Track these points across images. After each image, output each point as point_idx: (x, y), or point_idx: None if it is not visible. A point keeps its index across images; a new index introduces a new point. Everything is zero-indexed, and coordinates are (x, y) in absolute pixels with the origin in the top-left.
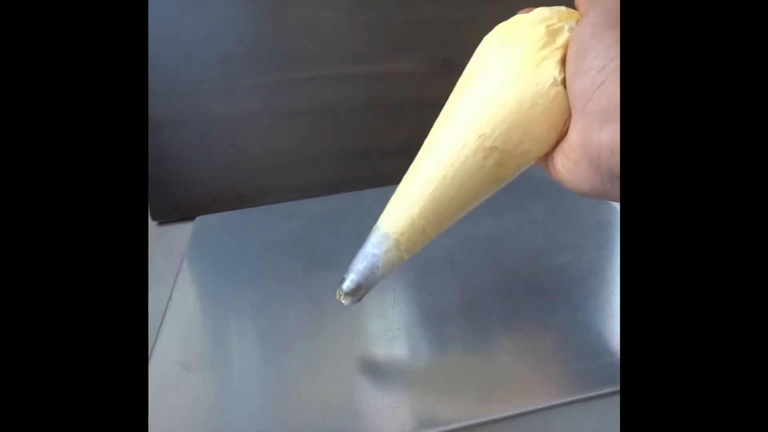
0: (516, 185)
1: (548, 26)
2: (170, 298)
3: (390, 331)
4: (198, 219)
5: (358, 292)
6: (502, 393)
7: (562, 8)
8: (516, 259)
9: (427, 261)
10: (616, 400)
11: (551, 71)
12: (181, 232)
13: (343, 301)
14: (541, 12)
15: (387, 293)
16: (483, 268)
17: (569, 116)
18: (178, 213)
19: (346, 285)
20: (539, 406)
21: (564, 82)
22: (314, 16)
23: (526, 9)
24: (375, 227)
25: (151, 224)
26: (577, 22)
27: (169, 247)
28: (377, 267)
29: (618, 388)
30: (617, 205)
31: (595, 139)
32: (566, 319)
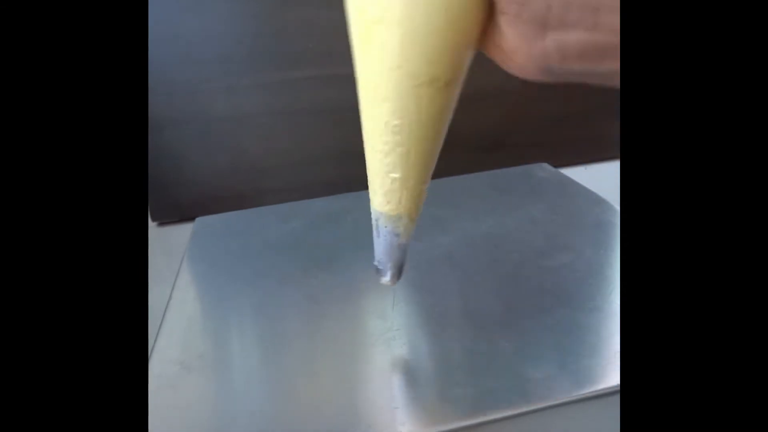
0: (516, 185)
1: None
2: (170, 298)
3: (390, 331)
4: (198, 219)
5: (398, 272)
6: (502, 393)
7: None
8: (516, 259)
9: (427, 261)
10: (616, 400)
11: None
12: (181, 232)
13: (388, 282)
14: None
15: (387, 293)
16: (483, 267)
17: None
18: (178, 213)
19: (389, 274)
20: (539, 406)
21: None
22: (314, 16)
23: None
24: (373, 210)
25: (151, 225)
26: None
27: (168, 247)
28: (397, 244)
29: (618, 388)
30: (617, 205)
31: (539, 45)
32: (566, 319)
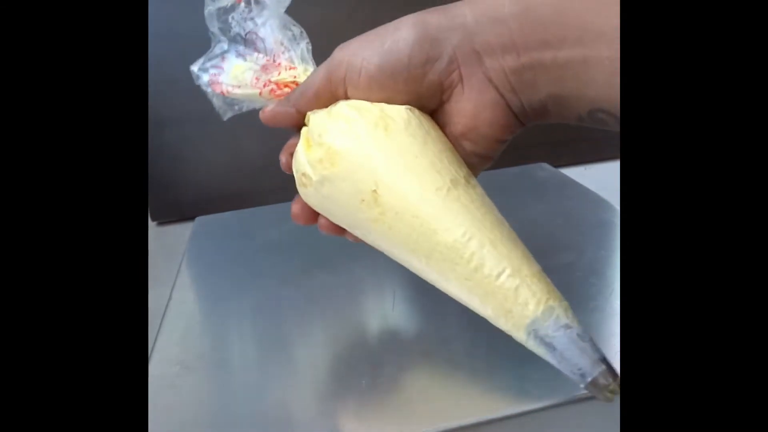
0: (516, 185)
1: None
2: (170, 299)
3: (390, 332)
4: (197, 219)
5: (605, 361)
6: (502, 393)
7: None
8: None
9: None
10: (616, 400)
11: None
12: (181, 232)
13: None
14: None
15: (387, 293)
16: None
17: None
18: (177, 213)
19: (604, 374)
20: (539, 406)
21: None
22: (314, 16)
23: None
24: (524, 332)
25: (151, 225)
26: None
27: (168, 247)
28: (578, 338)
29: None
30: (617, 205)
31: (491, 92)
32: None
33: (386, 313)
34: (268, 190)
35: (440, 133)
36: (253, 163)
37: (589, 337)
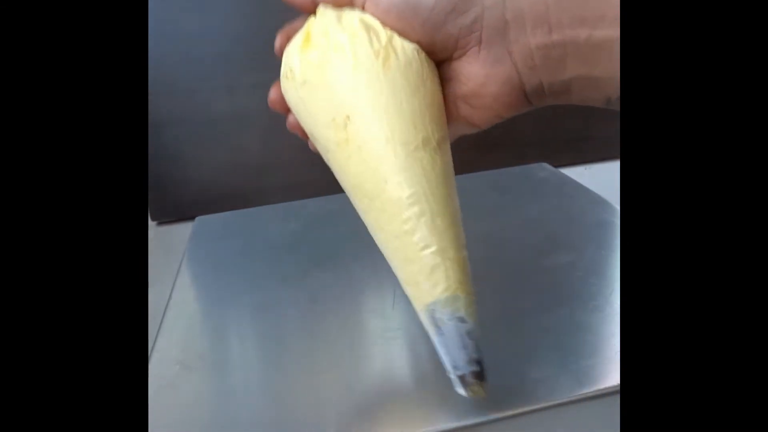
0: (516, 185)
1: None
2: (170, 298)
3: (390, 331)
4: (198, 219)
5: (482, 368)
6: (503, 393)
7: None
8: (516, 258)
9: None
10: (616, 400)
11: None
12: (181, 231)
13: (478, 393)
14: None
15: (387, 293)
16: (483, 267)
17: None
18: (177, 213)
19: (473, 377)
20: (539, 406)
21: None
22: None
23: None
24: (422, 311)
25: (151, 224)
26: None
27: (168, 246)
28: (466, 334)
29: (618, 387)
30: (617, 205)
31: (507, 64)
32: (566, 319)
33: (386, 312)
34: (268, 190)
35: (436, 86)
36: (253, 162)
37: (477, 336)
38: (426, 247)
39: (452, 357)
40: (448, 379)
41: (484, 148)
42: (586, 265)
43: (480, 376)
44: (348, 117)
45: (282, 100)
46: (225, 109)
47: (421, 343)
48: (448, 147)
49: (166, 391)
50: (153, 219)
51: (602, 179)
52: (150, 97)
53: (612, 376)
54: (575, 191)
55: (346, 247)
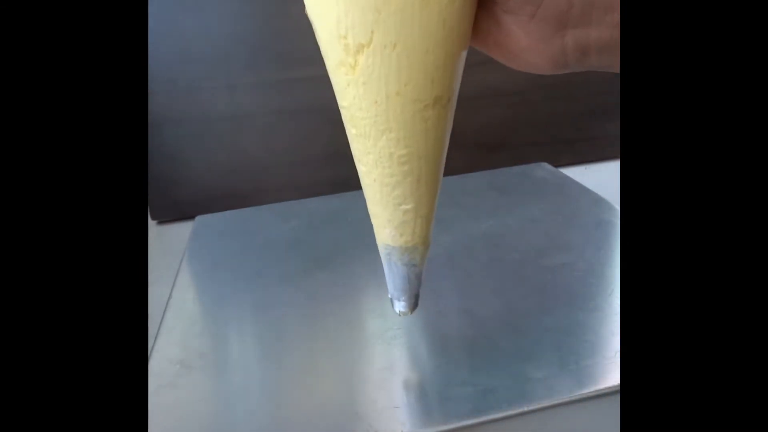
0: (516, 185)
1: None
2: (170, 297)
3: (390, 331)
4: (198, 218)
5: (416, 300)
6: (502, 393)
7: None
8: (516, 258)
9: (427, 261)
10: (616, 400)
11: None
12: (181, 231)
13: (406, 312)
14: None
15: (387, 293)
16: (483, 267)
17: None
18: (177, 212)
19: (407, 304)
20: (539, 406)
21: None
22: None
23: None
24: (382, 245)
25: (151, 223)
26: None
27: (168, 246)
28: (414, 276)
29: (618, 387)
30: (617, 205)
31: (557, 44)
32: (566, 319)
33: (386, 312)
34: (267, 189)
35: (470, 24)
36: (253, 162)
37: (420, 275)
38: (402, 203)
39: (396, 288)
40: (448, 379)
41: (484, 148)
42: (586, 265)
43: (413, 306)
44: (361, 45)
45: None
46: (225, 108)
47: (422, 343)
48: (455, 101)
49: (166, 391)
50: (153, 218)
51: (602, 179)
52: (150, 97)
53: (612, 376)
54: (575, 191)
55: (346, 247)
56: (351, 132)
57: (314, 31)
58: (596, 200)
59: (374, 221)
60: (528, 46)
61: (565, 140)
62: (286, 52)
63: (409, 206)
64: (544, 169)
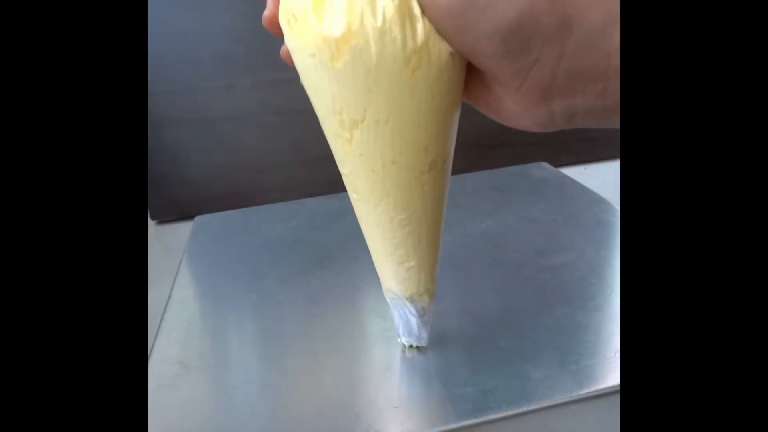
0: (516, 184)
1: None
2: (169, 297)
3: (390, 331)
4: (197, 218)
5: (421, 339)
6: (502, 393)
7: None
8: (516, 258)
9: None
10: (616, 400)
11: (439, 46)
12: (181, 231)
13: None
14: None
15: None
16: (483, 267)
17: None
18: (177, 212)
19: (418, 341)
20: (539, 406)
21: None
22: None
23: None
24: (388, 292)
25: (151, 223)
26: None
27: (168, 246)
28: (423, 321)
29: (618, 387)
30: (617, 205)
31: (543, 110)
32: (566, 319)
33: (386, 312)
34: (267, 189)
35: (460, 94)
36: (253, 162)
37: (427, 321)
38: (405, 261)
39: (402, 331)
40: (448, 379)
41: (484, 148)
42: (586, 265)
43: (418, 347)
44: (356, 121)
45: (278, 26)
46: (224, 108)
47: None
48: (451, 161)
49: (166, 391)
50: (152, 218)
51: (602, 179)
52: (150, 97)
53: (612, 376)
54: (575, 191)
55: (346, 247)
56: (352, 196)
57: (312, 103)
58: (596, 200)
59: (379, 273)
60: (516, 111)
61: (565, 140)
62: None
63: (412, 263)
64: (543, 168)
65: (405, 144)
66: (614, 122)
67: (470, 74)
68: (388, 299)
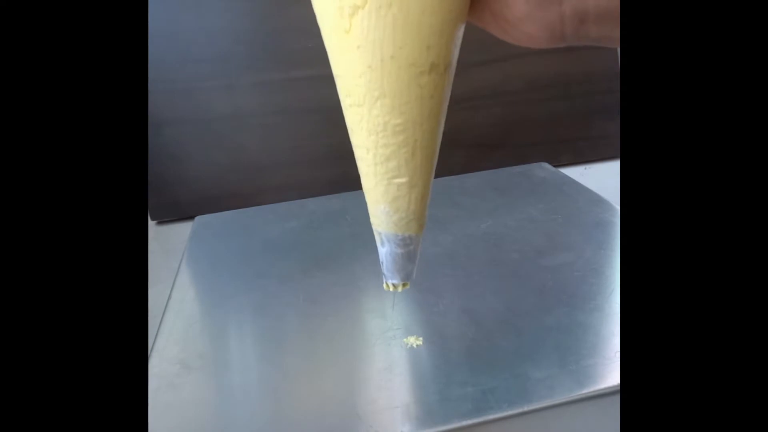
0: (516, 185)
1: None
2: (169, 298)
3: (390, 331)
4: (197, 218)
5: (409, 275)
6: (502, 393)
7: None
8: (516, 258)
9: (427, 261)
10: (616, 400)
11: None
12: (181, 231)
13: (399, 287)
14: None
15: (387, 293)
16: (483, 267)
17: None
18: (177, 212)
19: (400, 279)
20: (539, 406)
21: None
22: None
23: None
24: (374, 223)
25: (150, 223)
26: None
27: (168, 246)
28: (408, 252)
29: (618, 387)
30: (617, 205)
31: (555, 11)
32: (566, 319)
33: (386, 312)
34: (267, 189)
35: None
36: (253, 162)
37: (415, 253)
38: (397, 176)
39: (389, 264)
40: (448, 379)
41: (484, 148)
42: (586, 265)
43: (405, 283)
44: (356, 7)
45: None
46: (224, 108)
47: (422, 343)
48: (453, 73)
49: (166, 391)
50: (152, 218)
51: (602, 179)
52: (150, 97)
53: (612, 376)
54: (575, 191)
55: (346, 247)
56: (345, 102)
57: None
58: (596, 200)
59: (368, 197)
60: (525, 13)
61: (565, 140)
62: (286, 52)
63: (403, 180)
64: (543, 169)
65: (406, 36)
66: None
67: None
68: (375, 235)
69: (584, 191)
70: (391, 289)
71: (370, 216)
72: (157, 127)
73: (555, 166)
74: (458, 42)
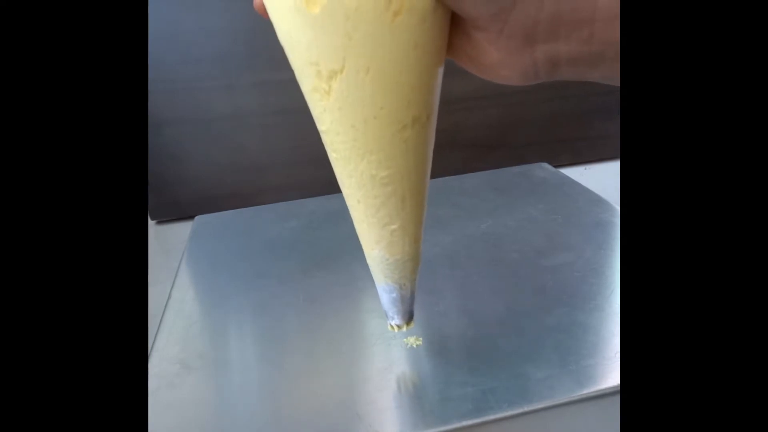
0: (516, 185)
1: None
2: (169, 297)
3: (390, 331)
4: (197, 218)
5: (410, 315)
6: (502, 393)
7: None
8: (516, 258)
9: (427, 261)
10: (616, 400)
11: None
12: (180, 231)
13: (399, 324)
14: None
15: None
16: (483, 267)
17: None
18: (177, 212)
19: (401, 319)
20: (539, 406)
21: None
22: None
23: None
24: (372, 261)
25: (150, 223)
26: None
27: (168, 246)
28: (398, 292)
29: (618, 387)
30: (617, 205)
31: (527, 57)
32: (566, 319)
33: None
34: (267, 189)
35: (444, 42)
36: (253, 162)
37: (411, 296)
38: (389, 224)
39: (388, 305)
40: (448, 379)
41: (484, 148)
42: (586, 265)
43: (401, 325)
44: (334, 71)
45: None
46: (224, 108)
47: (422, 343)
48: (435, 117)
49: (166, 391)
50: (152, 218)
51: (602, 179)
52: (150, 97)
53: (612, 376)
54: (575, 191)
55: (346, 247)
56: (332, 156)
57: (288, 57)
58: (596, 200)
59: (363, 242)
60: (499, 60)
61: (565, 140)
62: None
63: (395, 226)
64: (543, 169)
65: (387, 96)
66: (599, 73)
67: (451, 25)
68: (374, 276)
69: (584, 191)
70: (396, 330)
71: (367, 258)
72: (157, 127)
73: (555, 166)
74: (438, 89)
